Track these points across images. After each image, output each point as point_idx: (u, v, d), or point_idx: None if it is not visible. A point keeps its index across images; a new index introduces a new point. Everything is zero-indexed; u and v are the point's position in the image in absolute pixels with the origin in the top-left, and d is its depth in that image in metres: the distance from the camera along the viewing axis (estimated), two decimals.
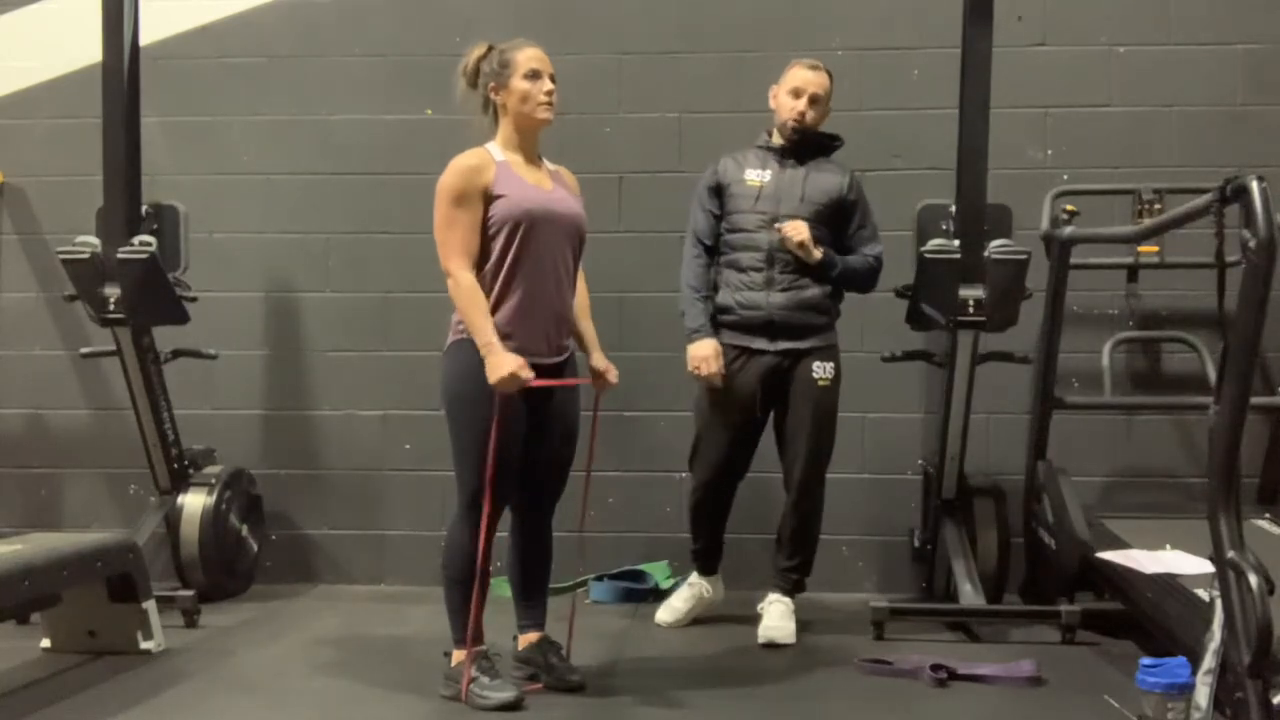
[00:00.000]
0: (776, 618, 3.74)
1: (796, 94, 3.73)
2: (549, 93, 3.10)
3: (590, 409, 3.30)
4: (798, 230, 3.64)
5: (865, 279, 3.83)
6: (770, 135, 3.84)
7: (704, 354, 3.72)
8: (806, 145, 3.79)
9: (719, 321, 3.80)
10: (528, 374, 2.94)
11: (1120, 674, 3.22)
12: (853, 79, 4.50)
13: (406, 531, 4.61)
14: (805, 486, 3.76)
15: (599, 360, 3.30)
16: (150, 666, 3.44)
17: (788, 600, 3.81)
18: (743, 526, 4.19)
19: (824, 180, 3.77)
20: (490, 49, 3.14)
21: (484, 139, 3.16)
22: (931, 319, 3.91)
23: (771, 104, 3.82)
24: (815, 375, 3.72)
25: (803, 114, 3.73)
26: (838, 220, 3.78)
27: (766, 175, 3.76)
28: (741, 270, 3.75)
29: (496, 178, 3.05)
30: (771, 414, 3.83)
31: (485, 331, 2.96)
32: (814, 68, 3.76)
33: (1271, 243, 2.52)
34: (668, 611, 3.96)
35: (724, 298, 3.78)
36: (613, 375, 3.30)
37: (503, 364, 2.91)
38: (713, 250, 3.84)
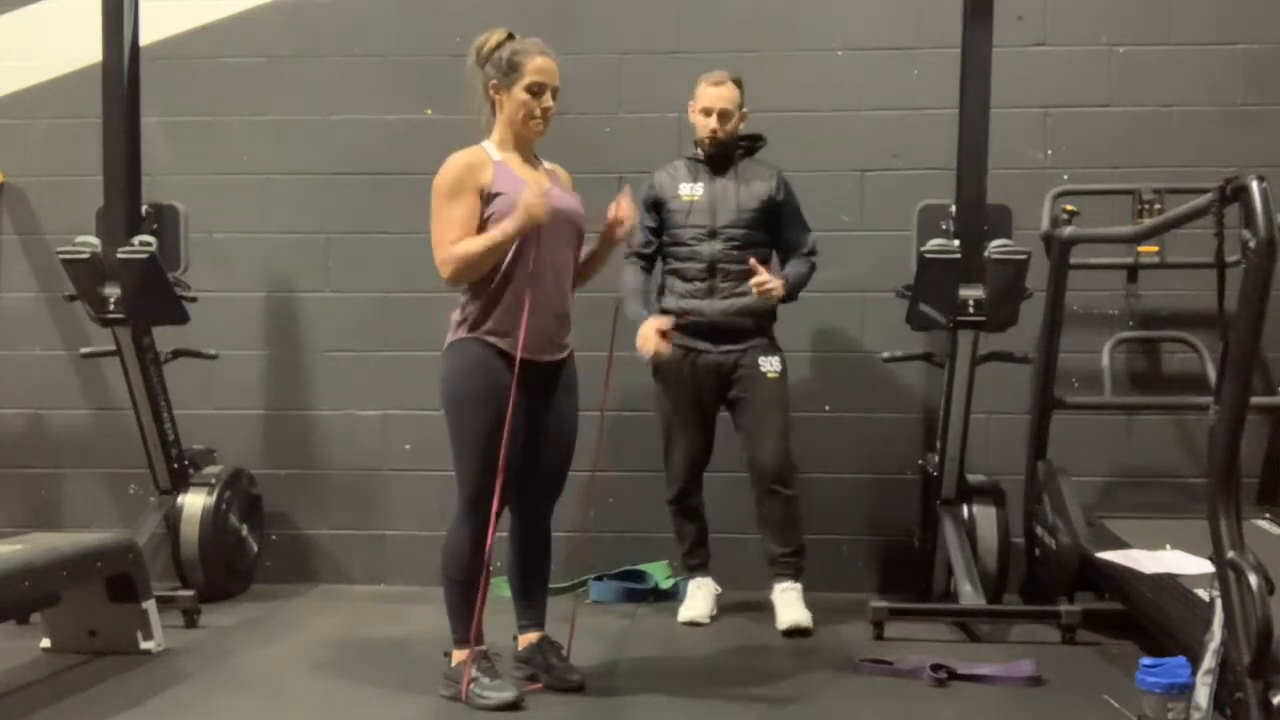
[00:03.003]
0: (795, 604, 3.86)
1: (707, 112, 3.92)
2: (546, 110, 3.10)
3: (591, 410, 3.29)
4: (767, 292, 3.82)
5: (808, 277, 4.02)
6: (698, 147, 4.00)
7: (646, 331, 3.73)
8: (730, 153, 3.97)
9: None
10: (540, 186, 2.95)
11: (1120, 674, 3.21)
12: (853, 79, 4.51)
13: (406, 531, 4.61)
14: (780, 471, 3.90)
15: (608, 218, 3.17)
16: (150, 666, 3.44)
17: (798, 585, 3.92)
18: (743, 526, 4.20)
19: (754, 187, 3.95)
20: (508, 39, 3.12)
21: (483, 134, 3.16)
22: (931, 319, 3.91)
23: (691, 118, 4.00)
24: (764, 370, 3.92)
25: (715, 131, 3.91)
26: (770, 220, 3.98)
27: (699, 189, 3.96)
28: (687, 280, 3.95)
29: (494, 176, 3.05)
30: (726, 413, 4.01)
31: (490, 234, 2.98)
32: (718, 84, 3.91)
33: (1271, 243, 2.52)
34: (692, 611, 3.97)
35: (670, 303, 3.97)
36: (625, 214, 3.14)
37: (522, 204, 2.93)
38: (651, 259, 4.04)
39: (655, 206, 4.01)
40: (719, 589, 4.10)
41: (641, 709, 3.05)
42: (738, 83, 3.93)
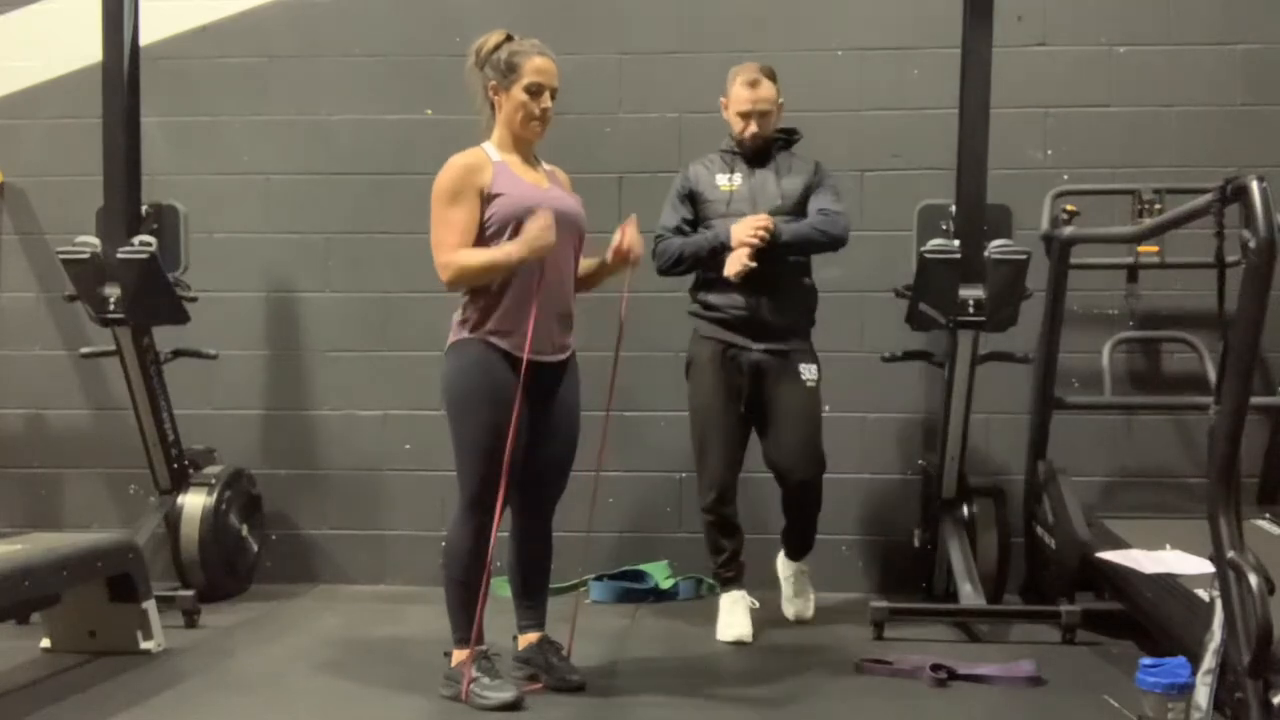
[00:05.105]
0: (803, 593, 4.02)
1: (745, 116, 3.80)
2: (544, 110, 3.10)
3: (592, 410, 3.29)
4: (736, 266, 3.66)
5: (822, 231, 3.76)
6: (733, 140, 3.89)
7: (749, 225, 3.68)
8: (769, 146, 3.87)
9: (705, 317, 3.84)
10: (544, 219, 2.94)
11: (1120, 674, 3.22)
12: (853, 79, 4.51)
13: (406, 531, 4.61)
14: (814, 481, 3.85)
15: (611, 247, 3.20)
16: (150, 666, 3.44)
17: (806, 569, 4.05)
18: (748, 527, 4.19)
19: (794, 178, 3.84)
20: (506, 40, 3.12)
21: (483, 135, 3.17)
22: (931, 319, 3.91)
23: (724, 115, 3.89)
24: (804, 377, 3.80)
25: (755, 135, 3.80)
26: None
27: (737, 179, 3.84)
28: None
29: (494, 177, 3.05)
30: (756, 414, 3.86)
31: (494, 251, 2.97)
32: (754, 84, 3.77)
33: (1271, 243, 2.52)
34: (736, 629, 3.75)
35: (710, 298, 3.82)
36: (630, 242, 3.18)
37: (528, 230, 2.93)
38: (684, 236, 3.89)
39: (690, 199, 3.88)
40: (755, 603, 3.90)
41: (641, 709, 3.05)
42: (771, 75, 3.81)
